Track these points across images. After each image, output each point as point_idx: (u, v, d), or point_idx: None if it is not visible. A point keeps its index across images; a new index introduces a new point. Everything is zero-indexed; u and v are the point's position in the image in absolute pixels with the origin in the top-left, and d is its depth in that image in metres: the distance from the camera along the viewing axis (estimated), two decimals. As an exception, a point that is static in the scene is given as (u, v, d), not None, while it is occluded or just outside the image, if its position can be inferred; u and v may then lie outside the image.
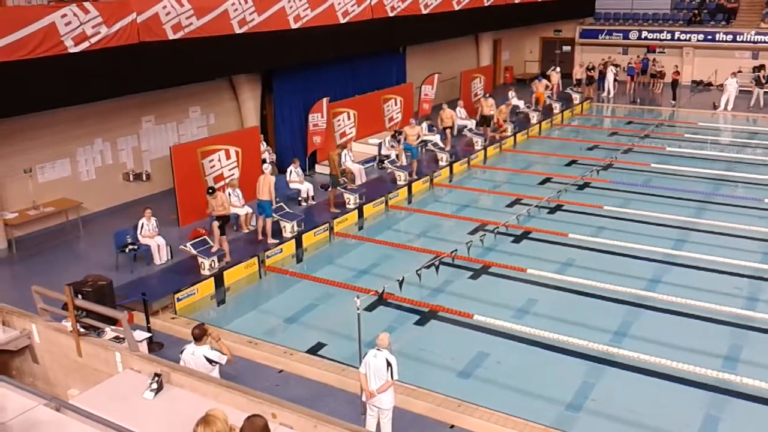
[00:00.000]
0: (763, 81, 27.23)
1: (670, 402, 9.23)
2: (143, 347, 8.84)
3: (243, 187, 14.87)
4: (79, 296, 7.70)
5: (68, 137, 15.11)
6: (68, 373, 7.07)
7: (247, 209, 14.77)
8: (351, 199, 16.22)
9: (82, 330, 6.93)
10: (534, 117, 24.58)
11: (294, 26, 17.51)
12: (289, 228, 14.43)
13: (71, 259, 13.50)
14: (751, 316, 11.29)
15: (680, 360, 9.81)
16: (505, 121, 22.65)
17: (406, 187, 17.81)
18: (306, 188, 16.64)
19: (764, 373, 9.59)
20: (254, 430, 4.85)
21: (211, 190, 13.28)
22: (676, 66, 28.82)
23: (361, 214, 16.18)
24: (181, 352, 7.81)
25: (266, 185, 14.08)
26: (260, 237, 14.19)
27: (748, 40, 29.77)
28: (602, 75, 29.52)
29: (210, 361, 7.61)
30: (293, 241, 14.29)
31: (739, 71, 28.27)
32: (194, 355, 7.64)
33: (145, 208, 13.53)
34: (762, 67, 28.67)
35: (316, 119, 18.92)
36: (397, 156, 18.98)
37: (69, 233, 14.73)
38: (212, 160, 15.80)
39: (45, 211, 14.38)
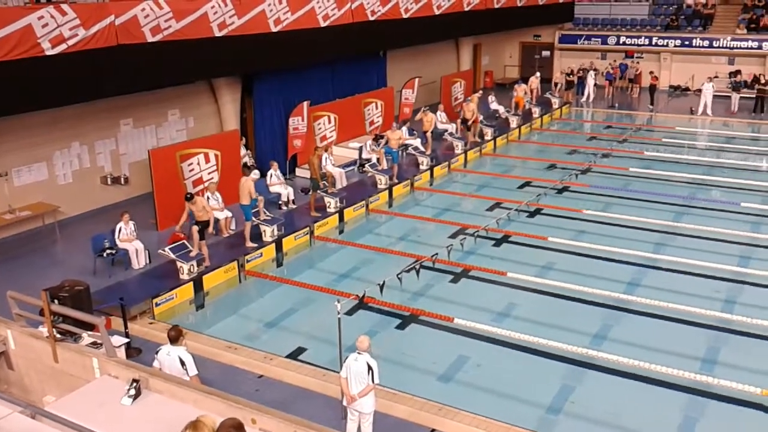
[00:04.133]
0: (740, 86, 27.64)
1: (649, 404, 9.31)
2: (121, 353, 8.76)
3: (223, 191, 14.77)
4: (56, 301, 7.60)
5: (45, 140, 14.91)
6: (44, 380, 6.97)
7: (227, 213, 14.66)
8: (331, 203, 16.17)
9: (58, 336, 6.84)
10: (514, 121, 24.70)
11: (274, 29, 17.46)
12: (269, 232, 14.35)
13: (48, 263, 13.32)
14: (729, 318, 11.39)
15: (659, 362, 9.87)
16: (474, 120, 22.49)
17: (386, 191, 17.81)
18: (286, 192, 16.58)
19: (742, 375, 9.69)
20: (231, 423, 4.84)
21: (189, 196, 13.10)
22: (652, 72, 29.09)
23: (341, 218, 16.13)
24: (157, 352, 7.76)
25: (243, 189, 13.99)
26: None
27: (724, 45, 30.27)
28: (581, 80, 29.78)
29: (182, 363, 7.54)
30: (273, 245, 14.22)
31: (716, 76, 28.69)
32: (169, 355, 7.60)
33: (123, 212, 13.39)
34: (738, 72, 29.11)
35: (297, 123, 18.87)
36: (377, 160, 18.98)
37: (45, 238, 14.54)
38: (191, 163, 15.69)
39: (21, 216, 14.19)
